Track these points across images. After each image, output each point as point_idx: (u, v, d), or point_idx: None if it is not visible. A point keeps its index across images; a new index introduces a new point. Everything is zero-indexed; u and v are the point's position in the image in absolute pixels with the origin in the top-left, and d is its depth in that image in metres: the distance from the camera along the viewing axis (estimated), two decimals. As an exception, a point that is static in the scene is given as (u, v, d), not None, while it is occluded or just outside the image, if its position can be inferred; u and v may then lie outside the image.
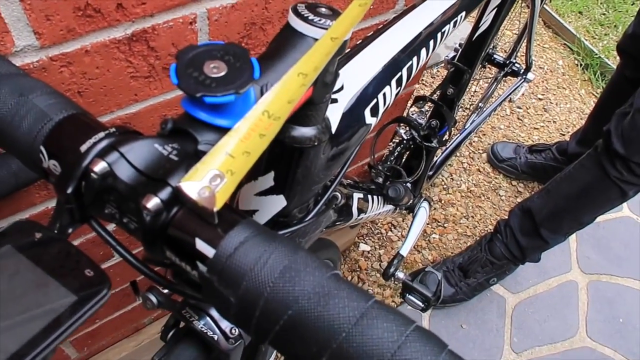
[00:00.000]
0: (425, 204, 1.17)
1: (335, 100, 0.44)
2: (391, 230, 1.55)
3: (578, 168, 1.23)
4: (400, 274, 1.02)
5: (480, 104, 1.52)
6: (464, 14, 0.62)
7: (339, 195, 0.52)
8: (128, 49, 0.50)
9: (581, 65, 2.16)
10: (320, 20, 0.32)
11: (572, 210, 1.26)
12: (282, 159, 0.40)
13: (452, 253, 1.54)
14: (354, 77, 0.46)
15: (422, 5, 0.57)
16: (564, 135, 1.93)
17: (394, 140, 1.21)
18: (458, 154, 1.79)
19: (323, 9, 0.34)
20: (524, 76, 1.37)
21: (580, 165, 1.22)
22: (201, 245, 0.24)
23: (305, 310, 0.20)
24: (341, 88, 0.45)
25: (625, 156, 1.07)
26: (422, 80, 1.93)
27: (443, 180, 1.71)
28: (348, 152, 0.44)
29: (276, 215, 0.44)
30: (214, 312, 0.42)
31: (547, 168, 1.67)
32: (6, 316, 0.24)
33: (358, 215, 0.64)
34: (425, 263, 1.52)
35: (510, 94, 1.38)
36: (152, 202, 0.24)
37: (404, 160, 1.10)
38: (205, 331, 0.43)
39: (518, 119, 1.95)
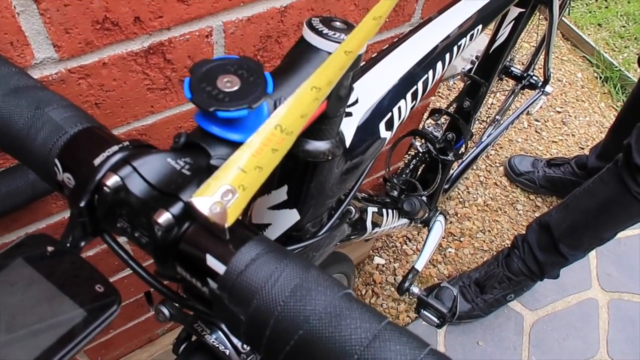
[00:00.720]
0: (440, 218, 1.15)
1: (349, 114, 0.43)
2: (406, 244, 1.54)
3: (597, 183, 1.21)
4: (415, 289, 1.00)
5: (497, 117, 1.50)
6: (480, 27, 0.61)
7: (353, 210, 0.52)
8: (145, 61, 0.50)
9: (601, 78, 2.13)
10: (334, 34, 0.32)
11: (592, 225, 1.23)
12: (295, 173, 0.39)
13: (468, 268, 1.51)
14: (369, 90, 0.46)
15: (438, 18, 0.57)
16: (583, 148, 1.89)
17: (409, 152, 1.20)
18: (475, 167, 1.77)
19: (338, 23, 0.34)
20: (542, 89, 1.35)
21: (600, 179, 1.20)
22: (212, 261, 0.23)
23: (317, 331, 0.20)
24: (356, 101, 0.44)
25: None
26: (439, 92, 1.92)
27: (459, 194, 1.69)
28: (362, 166, 0.44)
29: (289, 230, 0.43)
30: (225, 327, 0.41)
31: (566, 182, 1.64)
32: (17, 328, 0.24)
33: (372, 230, 0.64)
34: (440, 277, 1.50)
35: (527, 107, 1.36)
36: (164, 217, 0.23)
37: (419, 173, 1.09)
38: (216, 345, 0.42)
39: (536, 132, 1.92)
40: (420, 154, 1.05)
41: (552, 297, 1.51)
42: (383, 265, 1.47)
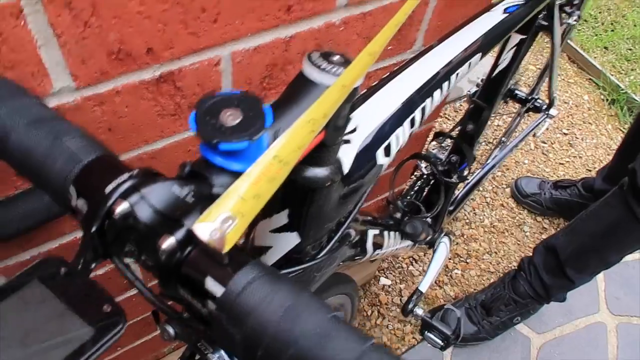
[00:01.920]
0: (445, 239, 1.16)
1: (348, 141, 0.45)
2: (412, 265, 1.54)
3: (604, 206, 1.21)
4: (419, 311, 1.01)
5: (503, 139, 1.51)
6: (479, 55, 0.63)
7: (352, 233, 0.53)
8: (156, 89, 0.53)
9: (607, 100, 2.14)
10: (332, 67, 0.34)
11: (598, 249, 1.23)
12: (295, 198, 0.41)
13: (474, 289, 1.51)
14: (369, 118, 0.48)
15: (438, 47, 0.59)
16: (590, 171, 1.89)
17: (414, 174, 1.21)
18: (481, 189, 1.78)
19: (336, 57, 0.36)
20: (547, 112, 1.37)
21: (606, 203, 1.20)
22: (211, 283, 0.25)
23: (305, 351, 0.21)
24: (355, 129, 0.47)
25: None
26: (446, 114, 1.95)
27: (466, 215, 1.69)
28: (361, 191, 0.46)
29: (290, 252, 0.45)
30: (221, 346, 0.42)
31: (573, 204, 1.64)
32: (31, 343, 0.26)
33: (374, 251, 0.65)
34: (447, 299, 1.50)
35: (532, 129, 1.37)
36: (167, 243, 0.25)
37: (424, 195, 1.10)
38: (218, 364, 0.44)
39: (543, 153, 1.93)
40: (424, 176, 1.07)
41: (559, 320, 1.49)
42: (389, 286, 1.48)
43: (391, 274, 1.51)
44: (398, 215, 0.84)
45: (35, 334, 0.26)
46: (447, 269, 1.56)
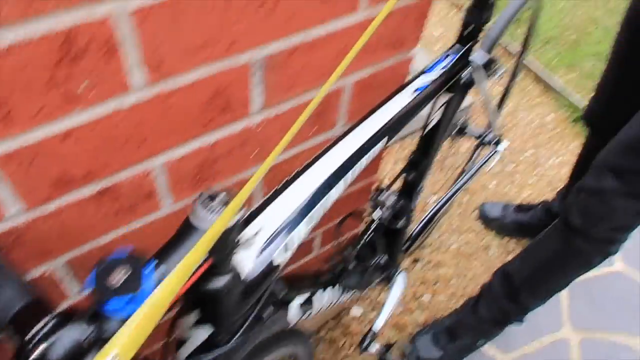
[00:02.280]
0: (401, 276, 1.26)
1: (251, 244, 0.55)
2: (382, 294, 1.63)
3: (547, 236, 1.30)
4: (374, 348, 1.10)
5: (464, 172, 1.61)
6: (385, 140, 0.73)
7: (267, 313, 0.63)
8: (98, 200, 0.63)
9: (571, 119, 2.23)
10: (210, 212, 0.44)
11: (545, 276, 1.31)
12: (202, 301, 0.51)
13: (443, 314, 1.60)
14: (271, 221, 0.57)
15: (342, 141, 0.69)
16: (555, 190, 1.98)
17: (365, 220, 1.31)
18: (449, 214, 1.87)
19: (219, 197, 0.45)
20: (495, 147, 1.46)
21: (548, 233, 1.29)
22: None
23: None
24: (257, 232, 0.56)
25: (581, 229, 1.14)
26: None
27: (433, 241, 1.79)
28: (262, 286, 0.55)
29: (207, 340, 0.55)
30: None
31: (534, 227, 1.72)
32: None
33: (303, 315, 0.74)
34: (416, 325, 1.59)
35: (482, 165, 1.47)
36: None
37: (375, 239, 1.19)
38: None
39: (509, 175, 2.02)
40: (373, 223, 1.16)
41: (524, 339, 1.58)
42: (360, 316, 1.57)
43: (362, 303, 1.60)
44: (339, 268, 0.93)
45: None
46: (416, 295, 1.65)
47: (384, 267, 1.17)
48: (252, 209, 0.59)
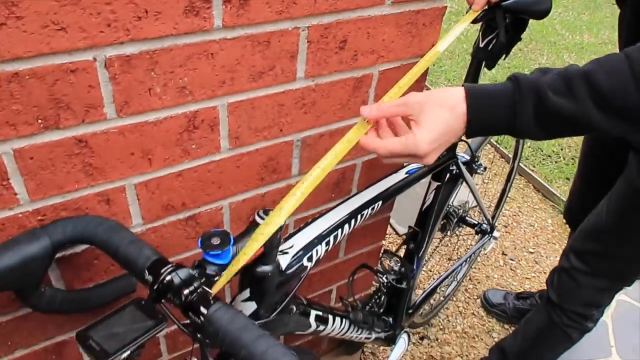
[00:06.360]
0: (404, 336, 1.46)
1: (286, 253, 0.84)
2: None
3: (534, 313, 1.51)
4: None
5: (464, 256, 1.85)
6: (380, 203, 1.03)
7: (294, 308, 0.89)
8: (186, 224, 0.94)
9: (569, 223, 2.47)
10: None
11: (533, 351, 1.50)
12: (252, 282, 0.79)
13: (446, 388, 1.74)
14: (301, 240, 0.86)
15: (353, 198, 0.99)
16: (554, 284, 2.17)
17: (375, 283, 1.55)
18: (454, 299, 2.07)
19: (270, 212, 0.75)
20: (490, 235, 1.73)
21: (535, 311, 1.50)
22: (203, 309, 0.62)
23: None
24: (292, 246, 0.85)
25: (557, 302, 1.36)
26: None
27: (440, 322, 1.97)
28: (294, 280, 0.83)
29: (251, 315, 0.81)
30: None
31: (531, 313, 1.91)
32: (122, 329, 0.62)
33: (317, 327, 0.99)
34: (421, 396, 1.72)
35: (478, 249, 1.72)
36: (186, 292, 0.63)
37: (384, 299, 1.43)
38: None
39: (511, 269, 2.24)
40: (382, 284, 1.41)
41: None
42: (369, 382, 1.73)
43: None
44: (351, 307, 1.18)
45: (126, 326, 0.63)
46: (422, 370, 1.80)
47: (389, 325, 1.39)
48: (287, 235, 0.88)
